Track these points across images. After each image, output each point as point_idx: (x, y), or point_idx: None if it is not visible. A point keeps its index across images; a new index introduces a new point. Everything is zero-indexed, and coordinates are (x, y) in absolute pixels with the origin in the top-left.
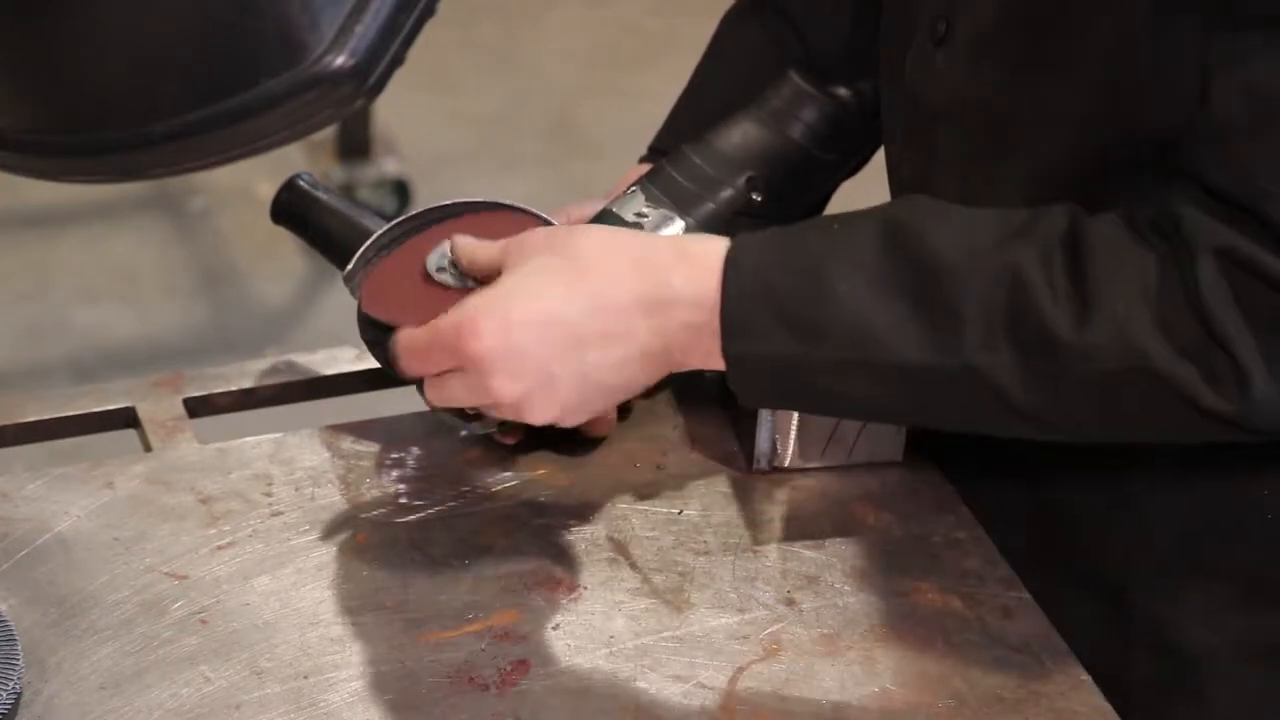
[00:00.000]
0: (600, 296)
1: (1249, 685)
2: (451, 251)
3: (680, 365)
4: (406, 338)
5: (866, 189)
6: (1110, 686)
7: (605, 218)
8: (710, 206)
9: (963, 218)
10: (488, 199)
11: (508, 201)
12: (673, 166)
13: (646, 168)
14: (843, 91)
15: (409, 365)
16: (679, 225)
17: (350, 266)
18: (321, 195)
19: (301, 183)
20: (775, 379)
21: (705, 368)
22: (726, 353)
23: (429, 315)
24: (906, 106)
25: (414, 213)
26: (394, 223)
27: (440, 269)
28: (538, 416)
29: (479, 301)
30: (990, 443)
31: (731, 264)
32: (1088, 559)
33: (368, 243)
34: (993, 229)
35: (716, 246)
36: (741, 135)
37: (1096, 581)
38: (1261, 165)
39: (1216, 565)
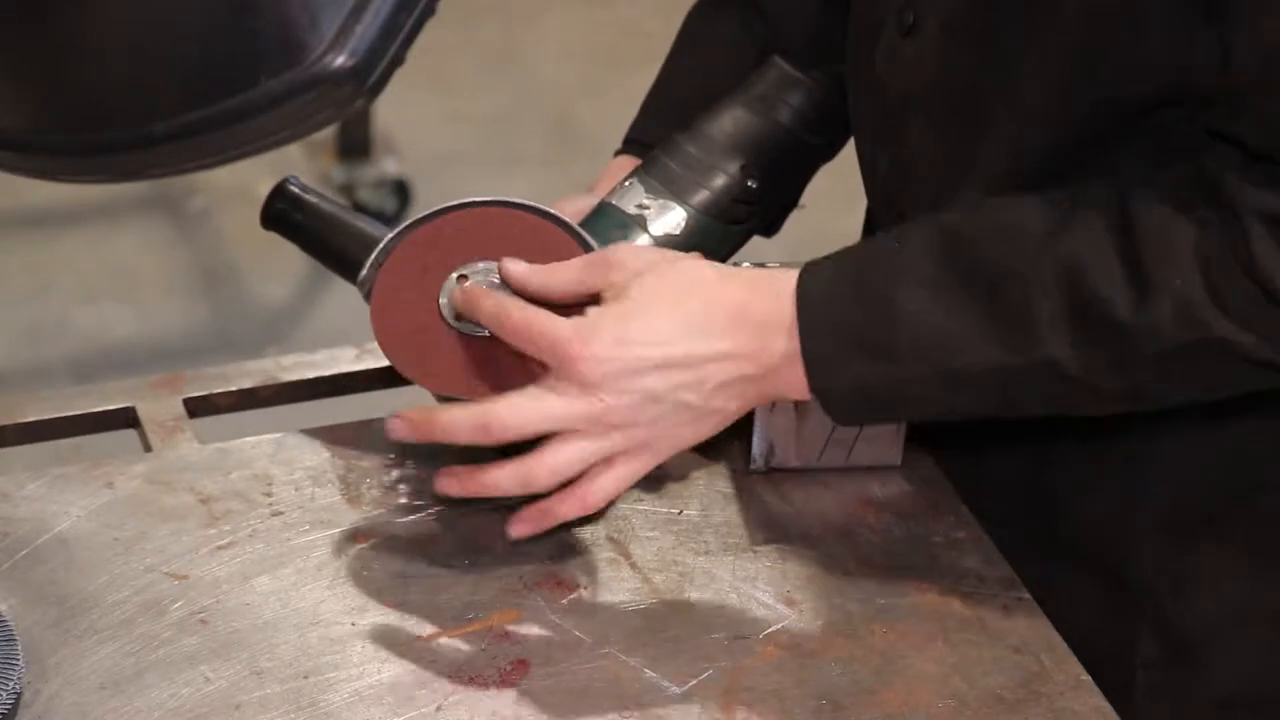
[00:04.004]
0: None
1: (1250, 654)
2: (509, 276)
3: (771, 394)
4: (494, 317)
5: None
6: (1115, 668)
7: (604, 211)
8: (707, 194)
9: (1011, 216)
10: (492, 198)
11: (512, 199)
12: (667, 156)
13: (625, 160)
14: (824, 75)
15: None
16: (680, 213)
17: (364, 274)
18: (312, 199)
19: (291, 187)
20: (865, 401)
21: (795, 398)
22: (814, 387)
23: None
24: (876, 100)
25: (420, 215)
26: (403, 226)
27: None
28: (627, 440)
29: (598, 315)
30: (984, 432)
31: (802, 302)
32: (1086, 538)
33: (379, 248)
34: (1042, 222)
35: (787, 283)
36: (733, 122)
37: (1096, 561)
38: None
39: (1216, 532)
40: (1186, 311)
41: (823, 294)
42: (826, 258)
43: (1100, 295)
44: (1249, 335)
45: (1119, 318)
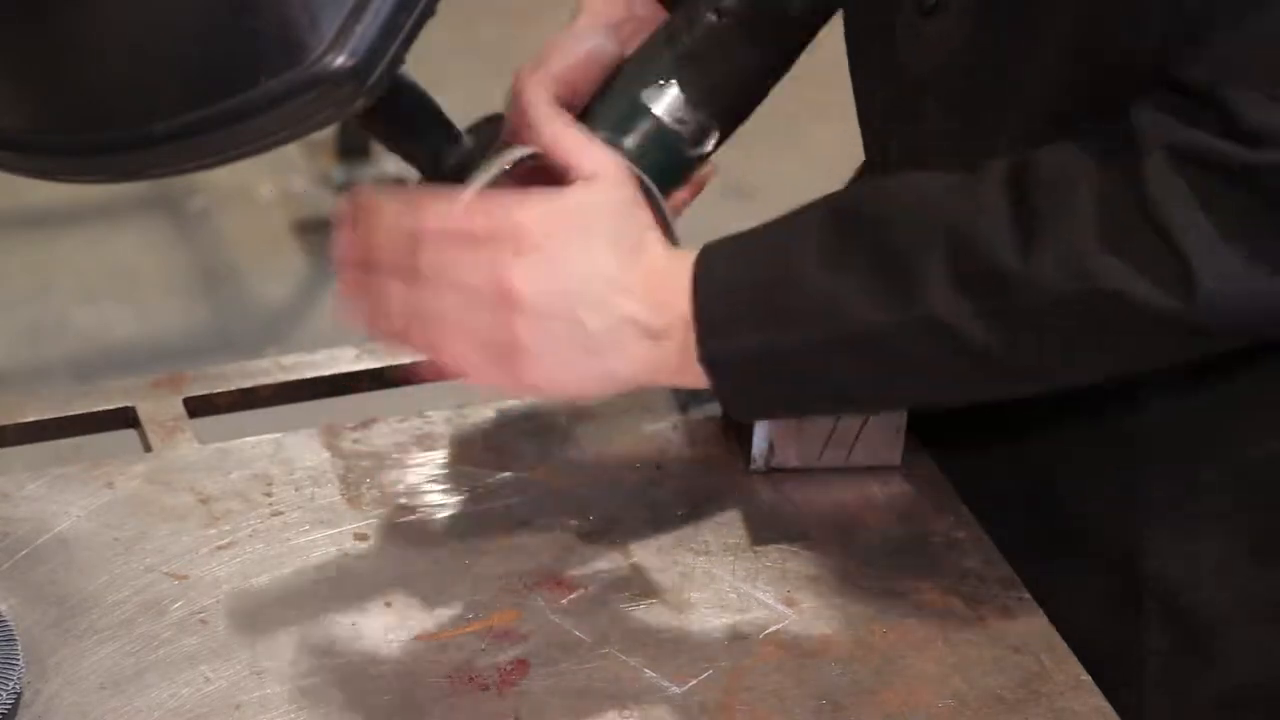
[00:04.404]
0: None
1: (1258, 643)
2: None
3: (658, 365)
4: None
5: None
6: (1116, 667)
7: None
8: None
9: (907, 180)
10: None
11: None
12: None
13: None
14: None
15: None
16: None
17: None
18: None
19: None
20: (756, 374)
21: (683, 378)
22: (705, 355)
23: None
24: (890, 83)
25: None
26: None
27: None
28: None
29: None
30: (984, 432)
31: (702, 270)
32: (1088, 536)
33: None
34: (937, 183)
35: (684, 263)
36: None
37: (1099, 558)
38: (1237, 56)
39: (1222, 523)
40: (1073, 259)
41: (722, 262)
42: (726, 238)
43: (986, 246)
44: (1132, 280)
45: (1003, 268)
